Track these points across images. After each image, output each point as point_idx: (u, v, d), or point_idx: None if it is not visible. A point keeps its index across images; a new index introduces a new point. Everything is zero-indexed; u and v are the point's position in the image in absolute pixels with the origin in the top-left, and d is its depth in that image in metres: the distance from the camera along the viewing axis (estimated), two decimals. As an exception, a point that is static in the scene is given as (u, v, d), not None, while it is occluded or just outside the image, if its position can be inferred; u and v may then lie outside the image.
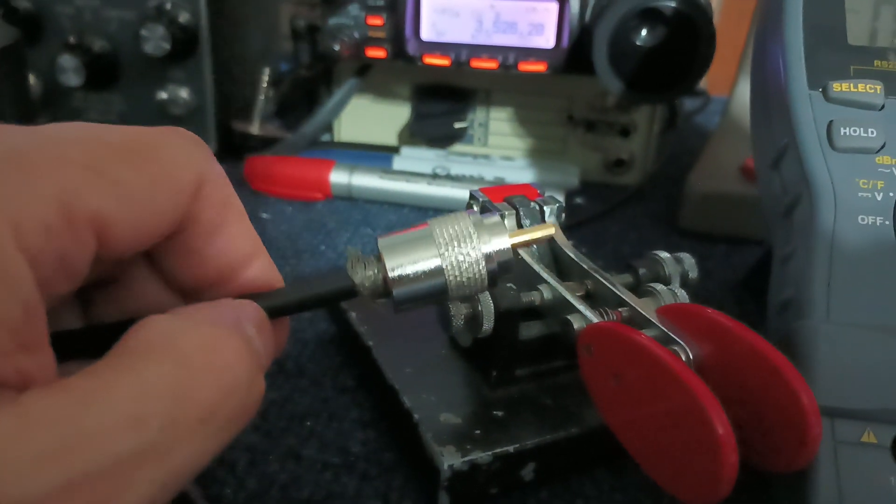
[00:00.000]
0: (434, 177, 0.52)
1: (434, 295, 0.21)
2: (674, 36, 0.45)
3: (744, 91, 0.56)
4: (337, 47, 0.49)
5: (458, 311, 0.28)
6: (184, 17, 0.51)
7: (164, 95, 0.53)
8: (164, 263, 0.20)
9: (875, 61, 0.29)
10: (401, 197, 0.51)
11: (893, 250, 0.25)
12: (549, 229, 0.23)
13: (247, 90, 0.57)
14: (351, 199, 0.52)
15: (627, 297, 0.26)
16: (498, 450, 0.26)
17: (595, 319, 0.26)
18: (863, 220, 0.26)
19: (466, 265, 0.21)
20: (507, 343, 0.28)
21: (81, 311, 0.20)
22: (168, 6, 0.51)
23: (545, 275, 0.28)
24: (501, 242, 0.21)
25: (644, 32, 0.45)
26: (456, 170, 0.54)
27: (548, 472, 0.28)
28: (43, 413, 0.14)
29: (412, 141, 0.57)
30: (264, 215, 0.49)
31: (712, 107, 0.69)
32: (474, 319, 0.28)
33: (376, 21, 0.49)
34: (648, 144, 0.56)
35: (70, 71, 0.50)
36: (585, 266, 0.28)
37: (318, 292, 0.21)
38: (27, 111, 0.35)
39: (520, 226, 0.30)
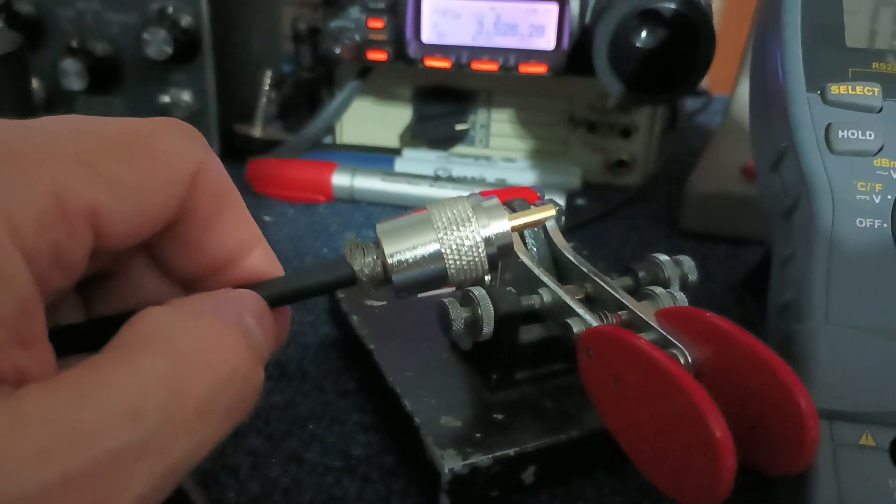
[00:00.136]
0: (436, 178, 0.52)
1: (434, 280, 0.21)
2: (673, 37, 0.45)
3: (745, 91, 0.56)
4: (338, 50, 0.49)
5: (458, 315, 0.28)
6: (185, 21, 0.51)
7: (166, 99, 0.53)
8: (163, 255, 0.20)
9: (873, 63, 0.29)
10: (403, 199, 0.51)
11: (891, 252, 0.25)
12: (549, 211, 0.23)
13: (249, 93, 0.57)
14: (353, 202, 0.52)
15: (627, 300, 0.26)
16: (498, 453, 0.26)
17: (594, 323, 0.26)
18: (861, 222, 0.26)
19: (465, 249, 0.20)
20: (507, 346, 0.28)
21: (82, 305, 0.20)
22: (170, 9, 0.51)
23: (545, 278, 0.28)
24: (501, 225, 0.21)
25: (644, 34, 0.45)
26: (458, 171, 0.55)
27: (548, 475, 0.28)
28: (39, 408, 0.14)
29: (414, 143, 0.58)
30: (267, 218, 0.50)
31: (714, 106, 0.69)
32: (474, 323, 0.28)
33: (377, 23, 0.49)
34: (650, 145, 0.56)
35: (73, 75, 0.51)
36: (585, 269, 0.29)
37: (318, 280, 0.21)
38: (30, 115, 0.35)
39: (520, 232, 0.30)
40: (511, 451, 0.27)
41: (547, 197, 0.33)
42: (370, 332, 0.33)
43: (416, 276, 0.20)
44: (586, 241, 0.48)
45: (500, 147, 0.58)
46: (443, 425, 0.27)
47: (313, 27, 0.51)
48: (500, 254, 0.21)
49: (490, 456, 0.26)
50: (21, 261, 0.14)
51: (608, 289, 0.27)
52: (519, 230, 0.23)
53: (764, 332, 0.28)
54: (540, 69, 0.49)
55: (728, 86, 0.62)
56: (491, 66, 0.49)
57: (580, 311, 0.26)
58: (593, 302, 0.28)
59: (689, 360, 0.23)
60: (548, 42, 0.49)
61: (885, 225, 0.26)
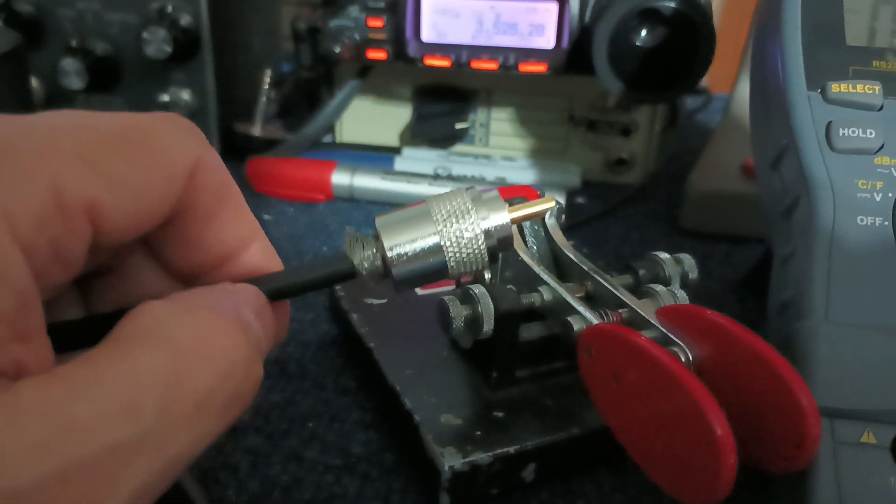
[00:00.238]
0: (436, 177, 0.52)
1: (434, 273, 0.20)
2: (673, 36, 0.45)
3: (745, 89, 0.56)
4: (338, 49, 0.49)
5: (459, 313, 0.28)
6: (185, 20, 0.51)
7: (166, 98, 0.53)
8: (162, 250, 0.20)
9: (874, 62, 0.29)
10: (402, 198, 0.51)
11: (892, 251, 0.25)
12: (549, 203, 0.22)
13: (248, 92, 0.57)
14: (353, 200, 0.52)
15: (627, 298, 0.26)
16: (498, 451, 0.26)
17: (595, 321, 0.26)
18: (862, 220, 0.26)
19: (465, 241, 0.20)
20: (508, 344, 0.28)
21: (81, 300, 0.20)
22: (169, 9, 0.51)
23: (545, 276, 0.28)
24: (500, 217, 0.21)
25: (644, 32, 0.45)
26: (457, 170, 0.55)
27: (548, 473, 0.28)
28: (37, 402, 0.14)
29: (413, 142, 0.58)
30: (266, 217, 0.50)
31: (714, 104, 0.69)
32: (474, 321, 0.28)
33: (377, 23, 0.49)
34: (650, 143, 0.56)
35: (72, 74, 0.50)
36: (585, 267, 0.29)
37: (318, 274, 0.21)
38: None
39: (520, 230, 0.30)
40: (511, 449, 0.27)
41: (546, 195, 0.32)
42: (370, 330, 0.33)
43: (416, 269, 0.20)
44: (586, 240, 0.48)
45: (500, 146, 0.58)
46: (443, 423, 0.27)
47: (313, 26, 0.51)
48: (499, 246, 0.21)
49: (490, 454, 0.26)
50: (20, 255, 0.14)
51: (608, 287, 0.27)
52: (518, 222, 0.22)
53: (764, 331, 0.28)
54: (540, 68, 0.49)
55: (728, 84, 0.62)
56: (491, 65, 0.49)
57: (580, 308, 0.26)
58: (594, 300, 0.28)
59: (690, 357, 0.23)
60: (547, 41, 0.49)
61: (886, 223, 0.26)
